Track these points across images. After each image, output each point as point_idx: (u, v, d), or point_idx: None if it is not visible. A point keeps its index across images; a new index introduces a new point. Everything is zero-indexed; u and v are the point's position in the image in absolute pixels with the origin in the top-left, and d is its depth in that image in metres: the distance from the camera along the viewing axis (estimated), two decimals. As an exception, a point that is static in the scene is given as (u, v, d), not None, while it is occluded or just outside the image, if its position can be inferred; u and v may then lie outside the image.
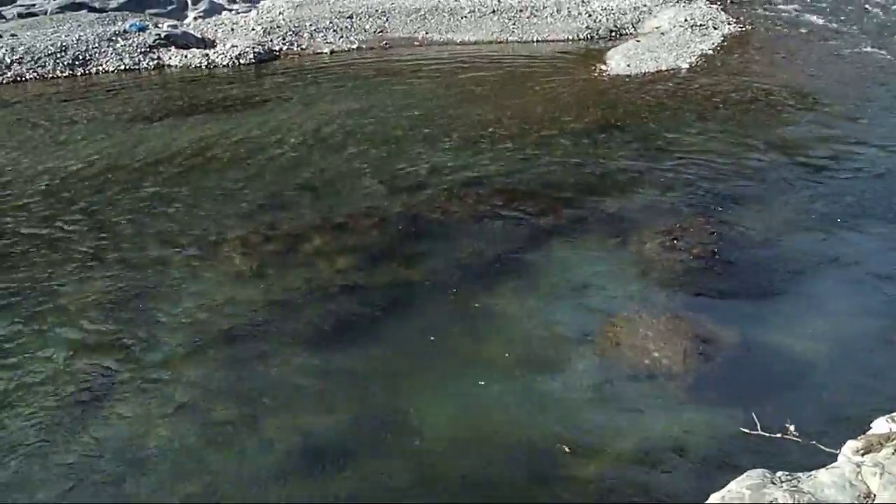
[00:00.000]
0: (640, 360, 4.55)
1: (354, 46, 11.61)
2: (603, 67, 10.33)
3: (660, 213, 6.33)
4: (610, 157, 7.41)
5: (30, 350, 4.57)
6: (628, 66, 10.25)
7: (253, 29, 11.92)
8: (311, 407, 4.17)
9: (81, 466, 3.74)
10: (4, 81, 10.02)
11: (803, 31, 12.18)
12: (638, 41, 11.54)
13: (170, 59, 10.76)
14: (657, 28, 12.37)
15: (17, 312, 4.91)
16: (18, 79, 10.11)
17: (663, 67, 10.22)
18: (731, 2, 14.05)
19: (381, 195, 6.59)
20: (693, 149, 7.58)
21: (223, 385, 4.32)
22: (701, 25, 12.19)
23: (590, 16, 12.78)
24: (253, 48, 10.96)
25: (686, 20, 12.39)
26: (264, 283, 5.28)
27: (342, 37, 11.88)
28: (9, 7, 12.85)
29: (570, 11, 12.96)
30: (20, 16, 12.64)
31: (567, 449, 3.86)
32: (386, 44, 11.74)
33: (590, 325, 4.86)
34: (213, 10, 13.49)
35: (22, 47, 10.63)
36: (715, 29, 12.08)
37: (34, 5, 12.98)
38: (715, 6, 13.72)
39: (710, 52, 10.95)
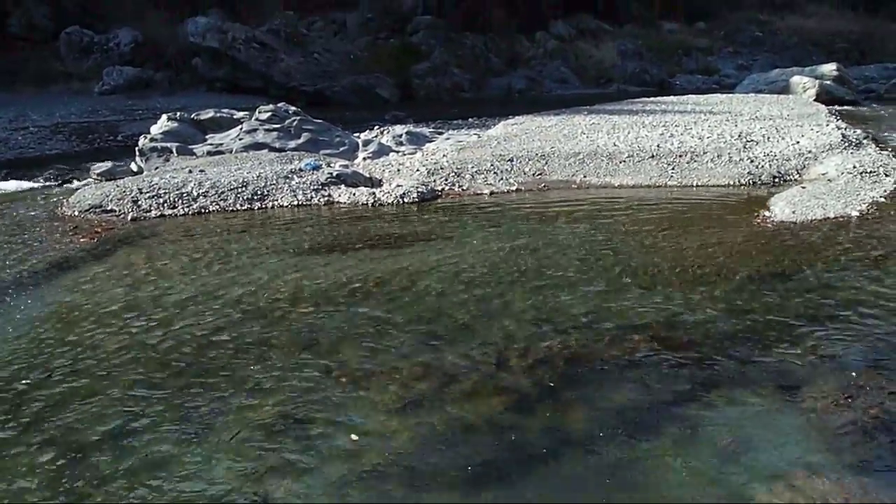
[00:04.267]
0: (809, 532, 4.14)
1: (513, 188, 11.92)
2: (766, 214, 10.10)
3: (830, 368, 5.93)
4: (775, 306, 7.09)
5: (185, 470, 4.70)
6: (793, 212, 9.97)
7: (418, 170, 12.50)
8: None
9: None
10: (191, 213, 10.89)
11: None
12: (803, 187, 11.26)
13: (339, 196, 11.40)
14: (824, 174, 12.06)
15: (175, 435, 5.09)
16: (203, 210, 10.95)
17: (831, 215, 9.87)
18: (904, 149, 13.60)
19: (535, 336, 6.54)
20: (866, 300, 7.16)
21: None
22: (871, 172, 11.79)
23: (752, 161, 12.66)
24: (417, 188, 11.44)
25: (855, 167, 12.04)
26: (416, 420, 5.29)
27: (502, 179, 12.25)
28: (200, 145, 14.12)
29: (731, 157, 12.90)
30: (209, 153, 13.85)
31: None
32: (544, 186, 12.00)
33: (752, 489, 4.50)
34: (382, 151, 14.32)
35: (208, 182, 11.57)
36: (887, 176, 11.63)
37: (221, 144, 14.20)
38: (886, 152, 13.29)
39: (883, 199, 10.50)
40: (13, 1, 28.93)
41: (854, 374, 5.80)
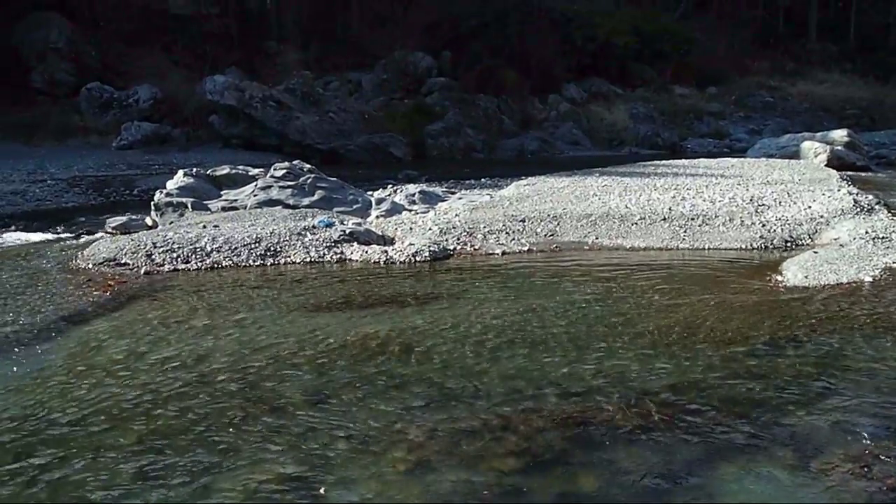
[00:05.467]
0: None
1: (525, 248, 11.95)
2: (778, 278, 10.06)
3: (846, 436, 5.83)
4: (788, 372, 7.01)
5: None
6: (806, 277, 9.94)
7: (430, 228, 12.55)
8: None
9: None
10: (204, 267, 10.95)
11: None
12: (815, 252, 11.23)
13: (351, 253, 11.44)
14: (836, 239, 12.04)
15: (176, 492, 5.04)
16: (216, 265, 11.01)
17: (844, 280, 9.82)
18: (917, 215, 13.58)
19: (544, 399, 6.49)
20: (882, 367, 7.07)
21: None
22: (883, 238, 11.77)
23: (764, 225, 12.68)
24: (429, 247, 11.48)
25: (867, 232, 12.03)
26: (424, 482, 5.21)
27: (514, 239, 12.29)
28: (215, 201, 14.25)
29: (742, 221, 12.92)
30: (223, 209, 13.97)
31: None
32: (556, 247, 12.03)
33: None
34: (395, 209, 14.42)
35: (222, 237, 11.65)
36: (899, 242, 11.62)
37: (236, 200, 14.33)
38: (898, 219, 13.30)
39: (895, 265, 10.48)
40: (37, 57, 29.59)
41: (869, 442, 5.70)
